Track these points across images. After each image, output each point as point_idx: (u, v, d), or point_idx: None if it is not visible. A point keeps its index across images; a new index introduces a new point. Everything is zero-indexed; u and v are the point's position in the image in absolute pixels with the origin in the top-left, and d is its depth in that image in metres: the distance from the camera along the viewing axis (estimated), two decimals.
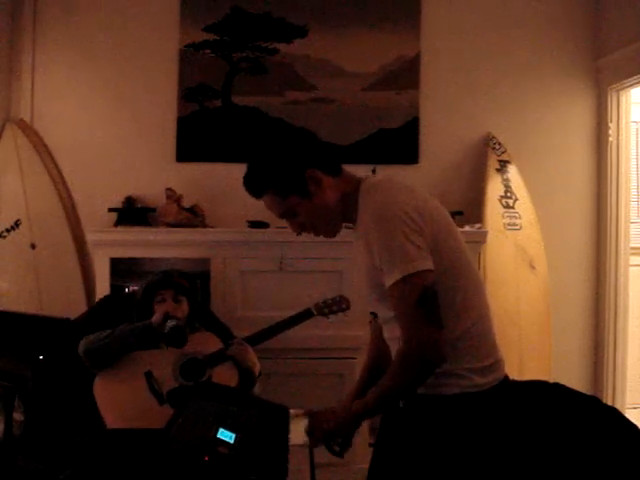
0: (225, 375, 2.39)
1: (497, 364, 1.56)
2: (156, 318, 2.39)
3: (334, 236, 1.68)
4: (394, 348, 1.58)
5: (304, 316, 2.55)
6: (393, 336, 1.56)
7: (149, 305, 2.50)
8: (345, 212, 1.62)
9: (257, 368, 2.45)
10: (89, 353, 2.35)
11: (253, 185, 1.62)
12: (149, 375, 2.35)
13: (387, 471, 1.60)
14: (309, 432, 1.60)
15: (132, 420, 2.22)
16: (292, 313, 2.58)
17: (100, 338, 2.37)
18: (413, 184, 1.59)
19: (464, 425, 1.48)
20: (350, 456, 1.74)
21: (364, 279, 1.59)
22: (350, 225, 1.67)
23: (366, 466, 1.69)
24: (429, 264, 1.43)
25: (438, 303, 1.43)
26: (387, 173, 2.04)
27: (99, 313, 2.72)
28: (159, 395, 2.31)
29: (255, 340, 2.50)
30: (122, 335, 2.37)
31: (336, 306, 2.57)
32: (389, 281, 1.44)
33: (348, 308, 2.59)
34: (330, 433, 1.60)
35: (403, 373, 1.47)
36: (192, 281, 2.62)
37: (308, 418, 1.65)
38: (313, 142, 1.69)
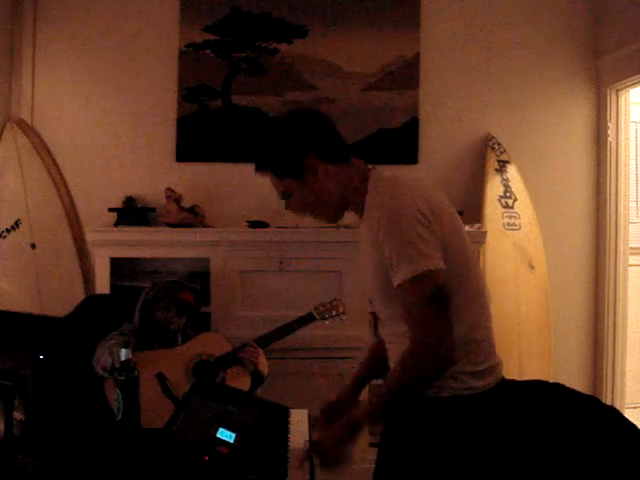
0: (238, 377, 2.40)
1: (494, 367, 1.54)
2: (105, 361, 2.26)
3: (333, 222, 1.67)
4: (393, 345, 1.56)
5: (307, 320, 2.59)
6: (394, 332, 1.53)
7: (153, 306, 2.54)
8: (351, 200, 1.59)
9: (266, 371, 2.48)
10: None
11: (255, 160, 1.62)
12: (162, 377, 2.34)
13: (389, 472, 1.59)
14: (324, 463, 1.51)
15: (144, 421, 2.22)
16: (292, 313, 2.59)
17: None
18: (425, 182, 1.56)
19: (459, 427, 1.47)
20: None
21: (368, 274, 1.56)
22: (350, 225, 1.67)
23: (366, 466, 1.69)
24: (440, 263, 1.41)
25: (449, 302, 1.41)
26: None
27: (82, 314, 2.70)
28: (173, 397, 2.30)
29: (263, 343, 2.52)
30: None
31: (334, 310, 2.63)
32: (399, 279, 1.41)
33: (343, 312, 2.64)
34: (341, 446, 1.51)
35: (410, 371, 1.43)
36: (198, 297, 2.63)
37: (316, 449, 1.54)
38: (319, 127, 1.61)
